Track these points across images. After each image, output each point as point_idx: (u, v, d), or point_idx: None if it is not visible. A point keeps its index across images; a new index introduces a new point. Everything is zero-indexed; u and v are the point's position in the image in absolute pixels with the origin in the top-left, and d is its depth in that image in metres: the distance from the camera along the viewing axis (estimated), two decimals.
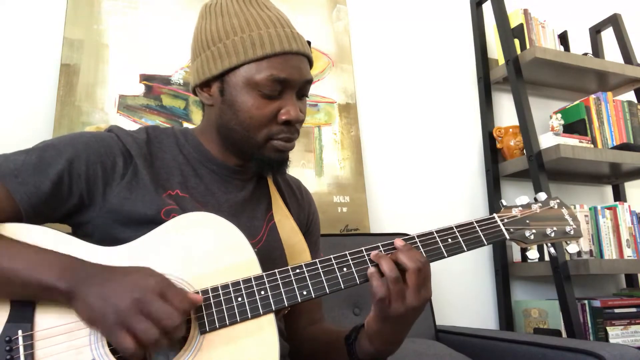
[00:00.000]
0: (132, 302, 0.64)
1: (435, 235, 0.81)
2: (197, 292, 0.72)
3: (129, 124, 1.53)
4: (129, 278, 0.67)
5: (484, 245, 0.83)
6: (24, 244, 0.71)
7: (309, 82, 0.89)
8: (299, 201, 1.05)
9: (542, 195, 0.91)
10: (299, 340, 0.97)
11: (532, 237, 0.85)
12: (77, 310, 0.67)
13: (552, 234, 0.86)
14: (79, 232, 0.82)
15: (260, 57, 0.83)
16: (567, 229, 0.87)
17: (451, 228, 0.83)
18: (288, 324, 0.97)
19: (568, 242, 0.89)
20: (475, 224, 0.84)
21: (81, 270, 0.68)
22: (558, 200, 0.91)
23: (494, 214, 0.86)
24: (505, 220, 0.85)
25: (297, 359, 0.96)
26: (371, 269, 0.75)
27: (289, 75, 0.84)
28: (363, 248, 0.79)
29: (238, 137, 0.87)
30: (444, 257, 0.81)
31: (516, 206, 0.88)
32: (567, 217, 0.89)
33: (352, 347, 0.83)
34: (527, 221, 0.86)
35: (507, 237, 0.85)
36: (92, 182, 0.80)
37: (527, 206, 0.88)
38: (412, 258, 0.74)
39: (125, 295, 0.64)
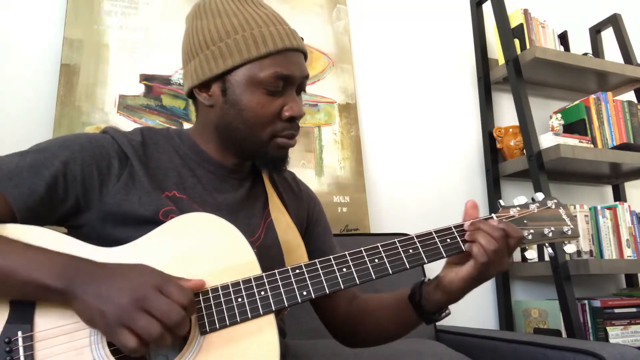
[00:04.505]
0: (131, 299, 0.63)
1: (434, 235, 0.82)
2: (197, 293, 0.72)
3: (129, 124, 1.53)
4: (127, 275, 0.66)
5: None
6: (17, 242, 0.69)
7: (307, 77, 0.91)
8: (296, 194, 1.05)
9: (540, 196, 0.91)
10: (343, 317, 0.98)
11: (530, 237, 0.85)
12: (75, 310, 0.66)
13: (550, 234, 0.86)
14: (75, 235, 0.80)
15: (263, 54, 0.84)
16: (565, 229, 0.87)
17: (449, 228, 0.83)
18: (325, 305, 0.99)
19: (566, 242, 0.89)
20: None
21: (77, 268, 0.67)
22: (555, 201, 0.90)
23: (492, 214, 0.86)
24: (504, 220, 0.85)
25: (341, 336, 1.01)
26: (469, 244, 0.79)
27: (291, 71, 0.85)
28: (362, 248, 0.80)
29: (241, 136, 0.87)
30: (443, 257, 0.81)
31: (514, 206, 0.88)
32: (564, 217, 0.89)
33: (419, 305, 0.86)
34: (525, 221, 0.86)
35: None
36: (87, 184, 0.79)
37: (525, 206, 0.88)
38: (515, 229, 0.80)
39: (124, 293, 0.64)
